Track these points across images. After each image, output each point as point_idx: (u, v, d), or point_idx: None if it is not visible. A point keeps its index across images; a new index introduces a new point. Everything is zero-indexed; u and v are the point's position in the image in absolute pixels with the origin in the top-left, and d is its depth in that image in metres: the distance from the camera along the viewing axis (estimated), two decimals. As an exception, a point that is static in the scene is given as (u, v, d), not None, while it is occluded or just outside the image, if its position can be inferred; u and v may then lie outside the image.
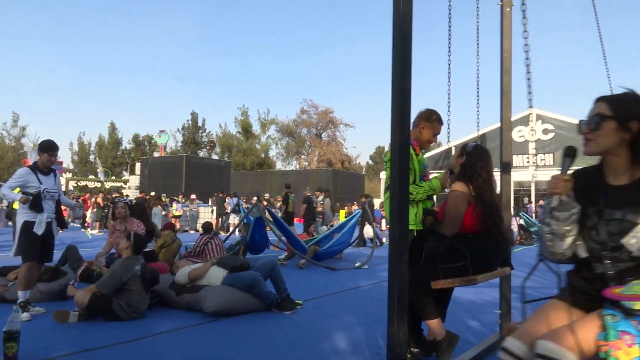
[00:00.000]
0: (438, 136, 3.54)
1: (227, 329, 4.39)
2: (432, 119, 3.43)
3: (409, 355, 3.33)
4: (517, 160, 29.15)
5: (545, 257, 1.99)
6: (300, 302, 5.41)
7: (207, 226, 8.08)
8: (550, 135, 28.05)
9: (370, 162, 63.04)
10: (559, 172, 1.90)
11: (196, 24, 75.85)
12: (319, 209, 14.69)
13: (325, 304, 5.59)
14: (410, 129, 2.41)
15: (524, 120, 28.92)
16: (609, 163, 1.92)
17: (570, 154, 1.91)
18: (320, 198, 15.56)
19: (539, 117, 28.35)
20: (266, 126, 57.28)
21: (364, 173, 55.50)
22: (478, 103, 3.63)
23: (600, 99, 1.92)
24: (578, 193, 1.88)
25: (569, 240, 1.88)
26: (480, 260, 3.14)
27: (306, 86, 75.67)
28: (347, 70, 79.59)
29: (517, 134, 28.47)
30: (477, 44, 3.52)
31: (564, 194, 1.85)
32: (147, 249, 5.87)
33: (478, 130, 3.67)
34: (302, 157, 57.37)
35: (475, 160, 3.22)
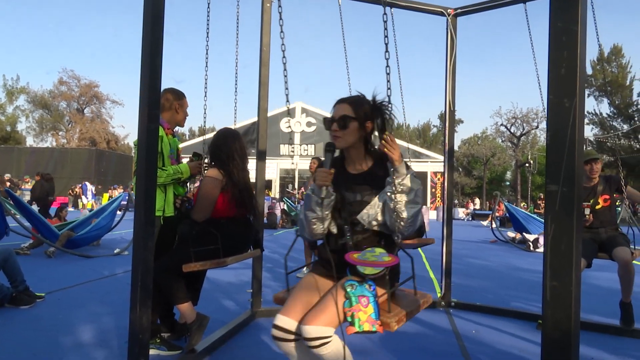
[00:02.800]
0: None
1: (-61, 333, 3.69)
2: (181, 96, 3.46)
3: (157, 341, 3.30)
4: (284, 149, 31.11)
5: (304, 237, 2.33)
6: (43, 294, 4.86)
7: None
8: (313, 127, 30.63)
9: (140, 143, 59.76)
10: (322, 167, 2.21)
11: None
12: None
13: (73, 295, 5.13)
14: (159, 111, 2.36)
15: (291, 112, 30.91)
16: (349, 155, 2.32)
17: (330, 149, 2.25)
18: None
19: (303, 110, 30.71)
20: (14, 95, 49.32)
21: (132, 154, 52.34)
22: (236, 92, 3.77)
23: (343, 101, 2.29)
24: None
25: (327, 221, 2.24)
26: (231, 243, 3.28)
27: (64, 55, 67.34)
28: (117, 43, 73.68)
29: (284, 125, 30.38)
30: (237, 35, 3.64)
31: (329, 184, 2.16)
32: None
33: (235, 121, 3.81)
34: (60, 133, 51.18)
35: (221, 141, 3.36)
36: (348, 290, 2.01)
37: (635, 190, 4.32)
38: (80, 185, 29.43)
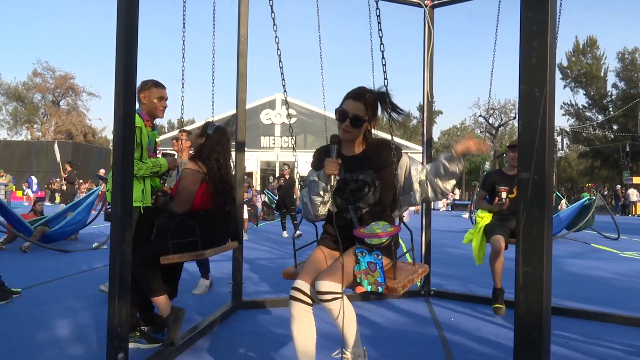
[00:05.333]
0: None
1: None
2: (147, 86, 3.39)
3: (137, 334, 3.28)
4: (264, 141, 30.98)
5: (309, 219, 2.57)
6: (19, 290, 4.79)
7: None
8: (294, 119, 30.51)
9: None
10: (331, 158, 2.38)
11: None
12: None
13: (50, 290, 5.06)
14: (135, 101, 2.34)
15: (271, 104, 30.80)
16: (348, 142, 2.53)
17: (336, 141, 2.41)
18: None
19: (284, 102, 30.56)
20: (-14, 88, 48.15)
21: (110, 147, 51.64)
22: (213, 84, 3.73)
23: (358, 99, 2.46)
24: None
25: (329, 203, 2.49)
26: (210, 236, 3.27)
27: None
28: (93, 34, 72.25)
29: (265, 117, 30.25)
30: (214, 26, 3.61)
31: (336, 173, 2.37)
32: None
33: (212, 113, 3.79)
34: (35, 126, 50.14)
35: (214, 146, 3.32)
36: (358, 256, 2.26)
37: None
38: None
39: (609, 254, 9.22)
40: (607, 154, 42.97)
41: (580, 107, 46.05)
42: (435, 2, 4.78)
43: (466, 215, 19.19)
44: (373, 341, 3.49)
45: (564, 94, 49.18)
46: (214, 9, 3.46)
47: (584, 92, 45.29)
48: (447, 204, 32.84)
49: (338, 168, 2.37)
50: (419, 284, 4.97)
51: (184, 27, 2.90)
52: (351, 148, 2.56)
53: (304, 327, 2.30)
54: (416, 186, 2.48)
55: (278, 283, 5.60)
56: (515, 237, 4.52)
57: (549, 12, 1.33)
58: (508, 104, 41.55)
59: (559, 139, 37.53)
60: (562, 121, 47.21)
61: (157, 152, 3.58)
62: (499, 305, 4.16)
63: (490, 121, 43.99)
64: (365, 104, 2.46)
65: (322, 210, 2.51)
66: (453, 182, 2.47)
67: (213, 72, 3.48)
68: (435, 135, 56.37)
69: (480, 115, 43.95)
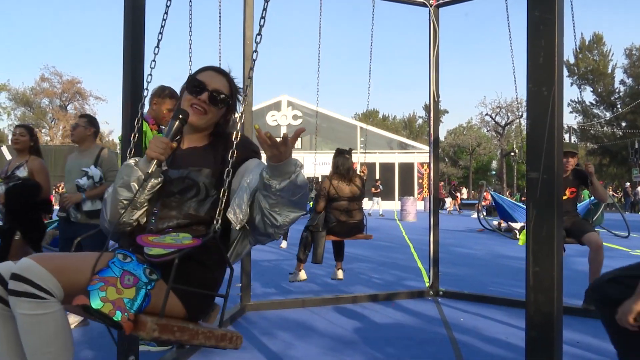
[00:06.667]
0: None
1: None
2: (164, 94, 3.42)
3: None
4: (270, 142, 30.91)
5: (103, 227, 1.80)
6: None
7: None
8: (299, 120, 30.61)
9: (125, 139, 59.14)
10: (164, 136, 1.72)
11: None
12: None
13: (60, 294, 5.10)
14: (142, 105, 2.35)
15: (277, 106, 30.83)
16: (192, 132, 1.84)
17: (180, 117, 1.71)
18: None
19: (289, 103, 30.63)
20: (-6, 93, 48.59)
21: (118, 151, 51.92)
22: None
23: (222, 73, 1.85)
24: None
25: (143, 209, 1.73)
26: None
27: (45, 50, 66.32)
28: (100, 38, 72.80)
29: (271, 119, 30.26)
30: (219, 29, 3.62)
31: (163, 160, 1.70)
32: None
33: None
34: (44, 131, 50.57)
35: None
36: (117, 257, 1.50)
37: (601, 187, 4.40)
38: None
39: (619, 252, 9.15)
40: (615, 151, 42.71)
41: (588, 104, 45.80)
42: (440, 1, 4.77)
43: (475, 215, 19.12)
44: (381, 342, 3.48)
45: (571, 91, 48.98)
46: (220, 12, 3.48)
47: (591, 89, 45.06)
48: (454, 204, 32.72)
49: (168, 152, 1.68)
50: (427, 282, 4.95)
51: (190, 31, 2.91)
52: (192, 141, 1.83)
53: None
54: (242, 203, 1.63)
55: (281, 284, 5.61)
56: (572, 237, 4.46)
57: (556, 10, 1.32)
58: (514, 102, 41.41)
59: (566, 136, 37.36)
60: (569, 119, 47.01)
61: None
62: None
63: (497, 119, 43.87)
64: (230, 82, 1.84)
65: (129, 215, 1.70)
66: (293, 215, 1.60)
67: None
68: (442, 135, 56.31)
69: (486, 114, 43.86)
